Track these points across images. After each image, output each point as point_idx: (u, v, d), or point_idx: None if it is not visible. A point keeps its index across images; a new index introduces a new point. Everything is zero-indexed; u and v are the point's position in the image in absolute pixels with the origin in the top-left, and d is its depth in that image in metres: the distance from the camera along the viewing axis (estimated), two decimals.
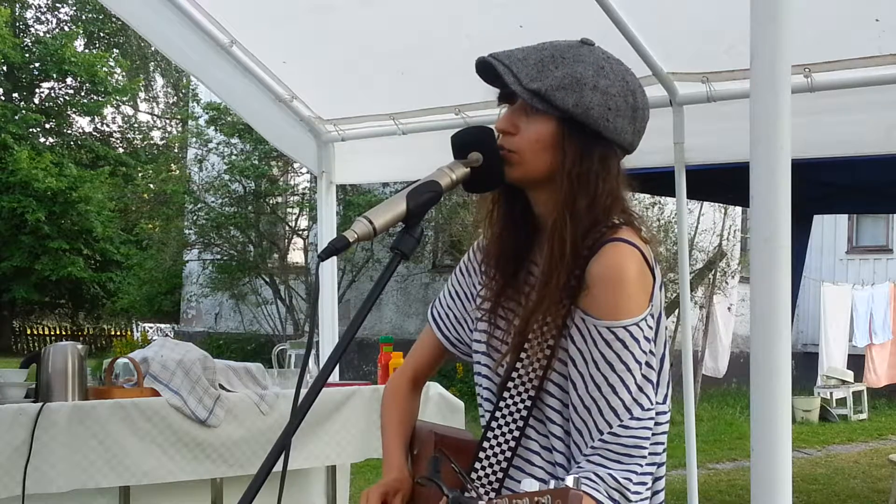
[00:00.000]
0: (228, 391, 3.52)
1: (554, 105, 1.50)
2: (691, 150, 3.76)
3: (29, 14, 26.02)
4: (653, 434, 1.50)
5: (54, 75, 23.61)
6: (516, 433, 1.56)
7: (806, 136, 3.20)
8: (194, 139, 15.22)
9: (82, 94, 24.72)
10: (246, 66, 4.10)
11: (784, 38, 1.51)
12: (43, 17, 26.72)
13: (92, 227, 21.58)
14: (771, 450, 1.50)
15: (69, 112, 24.96)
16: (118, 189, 22.44)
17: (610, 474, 1.41)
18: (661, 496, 1.58)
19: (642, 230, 1.55)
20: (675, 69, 3.58)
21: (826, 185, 5.23)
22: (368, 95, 4.24)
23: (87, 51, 25.91)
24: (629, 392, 1.45)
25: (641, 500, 1.47)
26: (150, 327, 18.31)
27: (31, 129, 22.89)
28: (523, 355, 1.55)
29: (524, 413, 1.55)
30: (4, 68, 23.22)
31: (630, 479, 1.42)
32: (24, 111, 22.58)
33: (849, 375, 13.05)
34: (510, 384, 1.56)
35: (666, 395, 1.57)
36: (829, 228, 15.58)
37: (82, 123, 26.40)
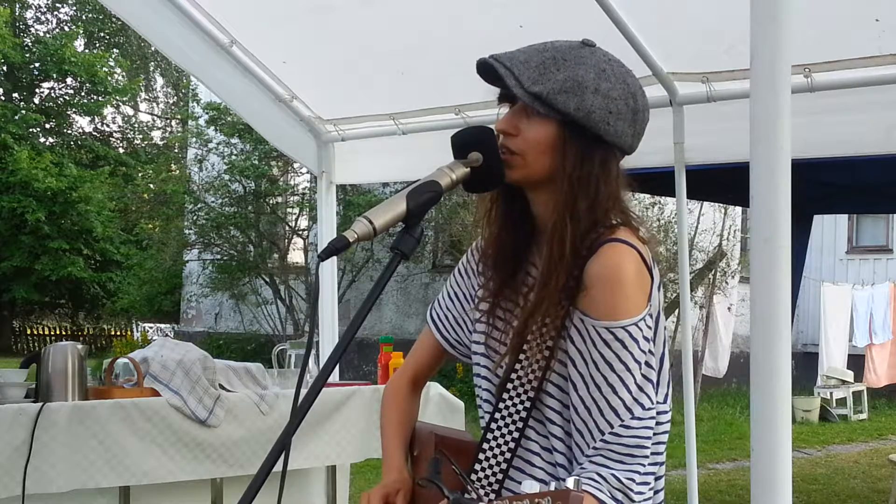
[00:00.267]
0: (228, 391, 3.52)
1: (555, 108, 1.50)
2: (691, 150, 3.76)
3: (29, 14, 26.05)
4: (654, 434, 1.50)
5: (54, 75, 23.61)
6: (516, 434, 1.56)
7: (806, 136, 3.20)
8: (194, 139, 15.22)
9: (82, 94, 24.72)
10: (246, 66, 4.10)
11: (784, 38, 1.51)
12: (43, 17, 26.75)
13: (92, 227, 21.59)
14: (771, 450, 1.50)
15: (69, 112, 24.96)
16: (118, 189, 22.44)
17: (613, 474, 1.41)
18: (661, 496, 1.58)
19: (640, 230, 1.55)
20: (675, 69, 3.58)
21: (826, 185, 5.23)
22: (368, 95, 4.24)
23: (87, 51, 25.91)
24: (629, 392, 1.45)
25: (644, 499, 1.47)
26: (150, 327, 18.31)
27: (31, 129, 22.89)
28: (522, 356, 1.55)
29: (524, 414, 1.55)
30: (4, 68, 23.22)
31: (633, 479, 1.42)
32: (24, 111, 22.58)
33: (849, 375, 13.05)
34: (510, 385, 1.56)
35: (666, 395, 1.57)
36: (829, 228, 15.58)
37: (82, 123, 26.44)
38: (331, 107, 4.41)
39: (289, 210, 14.82)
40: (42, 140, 24.02)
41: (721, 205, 11.65)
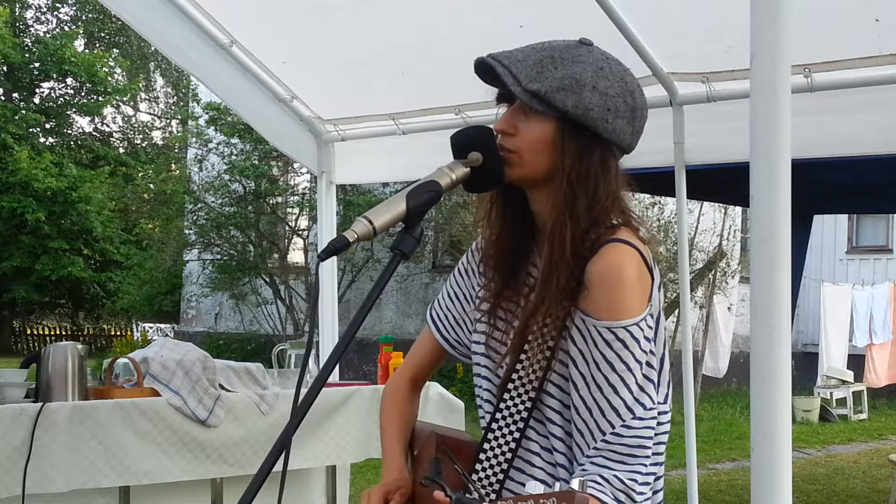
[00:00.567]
0: (228, 391, 3.52)
1: (553, 106, 1.50)
2: (691, 150, 3.76)
3: (29, 14, 26.05)
4: (655, 434, 1.50)
5: (54, 75, 23.61)
6: (517, 434, 1.56)
7: (806, 136, 3.20)
8: (194, 139, 15.22)
9: (82, 94, 24.72)
10: (246, 66, 4.10)
11: (784, 38, 1.51)
12: (43, 17, 26.75)
13: (92, 227, 21.59)
14: (771, 450, 1.50)
15: (69, 112, 24.96)
16: (118, 189, 22.44)
17: (615, 476, 1.41)
18: (661, 496, 1.58)
19: (640, 230, 1.55)
20: (675, 69, 3.58)
21: (826, 185, 5.22)
22: (368, 95, 4.24)
23: (87, 51, 25.91)
24: (630, 392, 1.45)
25: (645, 500, 1.47)
26: (150, 327, 18.31)
27: (31, 129, 22.89)
28: (523, 356, 1.55)
29: (524, 414, 1.55)
30: (4, 68, 23.22)
31: (635, 480, 1.42)
32: (24, 111, 22.58)
33: (849, 375, 13.05)
34: (510, 385, 1.56)
35: (667, 395, 1.57)
36: (829, 228, 15.58)
37: (82, 123, 26.45)
38: (331, 107, 4.41)
39: (289, 210, 14.82)
40: (42, 140, 24.02)
41: (721, 205, 11.65)
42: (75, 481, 3.08)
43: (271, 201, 14.68)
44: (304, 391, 1.40)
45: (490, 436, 1.58)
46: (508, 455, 1.57)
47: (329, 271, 4.62)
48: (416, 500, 1.65)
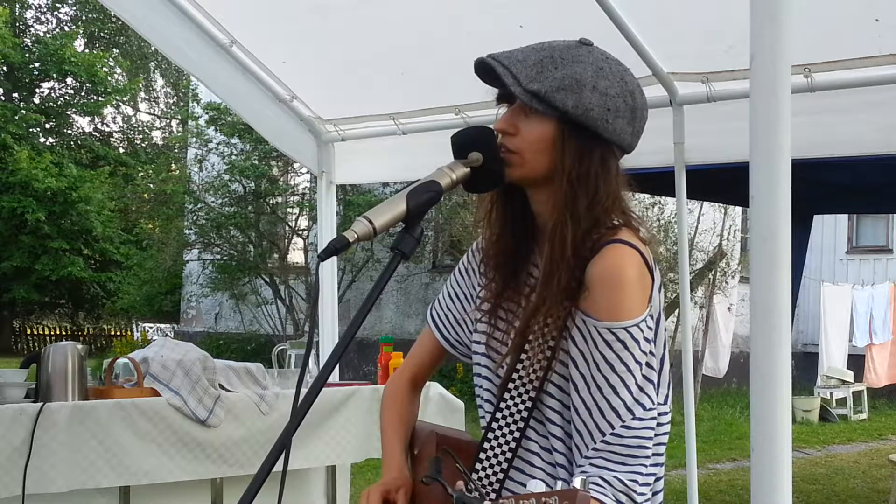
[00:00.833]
0: (228, 391, 3.52)
1: (553, 106, 1.50)
2: (691, 150, 3.76)
3: (29, 14, 26.04)
4: (655, 434, 1.50)
5: (54, 75, 23.61)
6: (517, 434, 1.56)
7: (806, 136, 3.20)
8: (194, 139, 15.22)
9: (82, 94, 24.72)
10: (246, 66, 4.10)
11: (784, 38, 1.51)
12: (43, 17, 26.76)
13: (92, 227, 21.59)
14: (771, 450, 1.50)
15: (69, 112, 24.96)
16: (118, 189, 22.44)
17: (616, 477, 1.41)
18: (661, 497, 1.58)
19: (641, 231, 1.55)
20: (675, 69, 3.58)
21: (826, 185, 5.22)
22: (368, 95, 4.24)
23: (87, 51, 25.91)
24: (630, 393, 1.45)
25: (645, 500, 1.47)
26: (150, 327, 18.31)
27: (31, 129, 22.89)
28: (524, 356, 1.55)
29: (525, 414, 1.55)
30: (4, 68, 23.22)
31: (636, 481, 1.43)
32: (24, 111, 22.58)
33: (849, 375, 13.05)
34: (511, 385, 1.56)
35: (667, 396, 1.57)
36: (829, 228, 15.58)
37: (82, 123, 26.45)
38: (331, 107, 4.41)
39: (289, 210, 14.82)
40: (42, 140, 24.02)
41: (721, 205, 11.65)
42: (75, 481, 3.08)
43: (271, 201, 14.68)
44: (304, 391, 1.40)
45: (490, 435, 1.58)
46: (508, 455, 1.57)
47: (329, 271, 4.62)
48: (415, 500, 1.65)
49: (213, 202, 14.51)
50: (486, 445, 1.59)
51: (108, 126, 27.99)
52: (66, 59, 22.78)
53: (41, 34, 25.49)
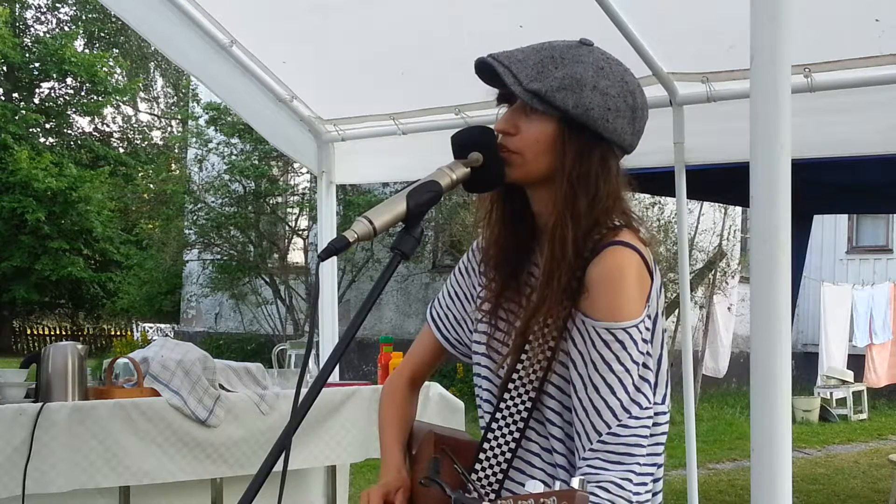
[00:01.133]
0: (228, 391, 3.52)
1: (554, 106, 1.50)
2: (691, 150, 3.76)
3: (29, 14, 26.03)
4: (652, 434, 1.50)
5: (54, 75, 23.61)
6: (517, 434, 1.56)
7: (806, 136, 3.20)
8: (194, 139, 15.22)
9: (82, 94, 24.72)
10: (246, 66, 4.10)
11: (784, 38, 1.51)
12: (43, 17, 26.73)
13: (92, 227, 21.59)
14: (771, 450, 1.50)
15: (69, 112, 24.96)
16: (118, 189, 22.43)
17: (610, 481, 1.41)
18: (660, 497, 1.58)
19: (641, 232, 1.55)
20: (675, 69, 3.58)
21: (826, 185, 5.22)
22: (368, 95, 4.24)
23: (87, 51, 25.91)
24: (627, 392, 1.46)
25: (644, 500, 1.48)
26: (150, 327, 18.31)
27: (31, 129, 22.89)
28: (524, 356, 1.55)
29: (524, 414, 1.55)
30: (4, 68, 23.21)
31: (630, 480, 1.43)
32: (24, 111, 22.57)
33: (849, 375, 13.05)
34: (511, 385, 1.56)
35: (665, 396, 1.57)
36: (829, 228, 15.58)
37: (82, 123, 26.43)
38: (331, 107, 4.41)
39: (289, 210, 14.82)
40: (42, 140, 24.02)
41: (721, 205, 11.65)
42: (75, 481, 3.08)
43: (271, 201, 14.68)
44: (304, 391, 1.40)
45: (490, 436, 1.58)
46: (508, 455, 1.57)
47: (329, 271, 4.62)
48: (414, 500, 1.65)
49: (213, 202, 14.51)
50: (486, 446, 1.59)
51: (108, 126, 28.01)
52: (66, 59, 22.77)
53: (41, 34, 25.49)
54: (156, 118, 30.92)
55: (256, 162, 13.89)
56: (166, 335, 16.61)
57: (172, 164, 23.55)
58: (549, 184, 1.55)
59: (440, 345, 1.79)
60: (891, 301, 13.42)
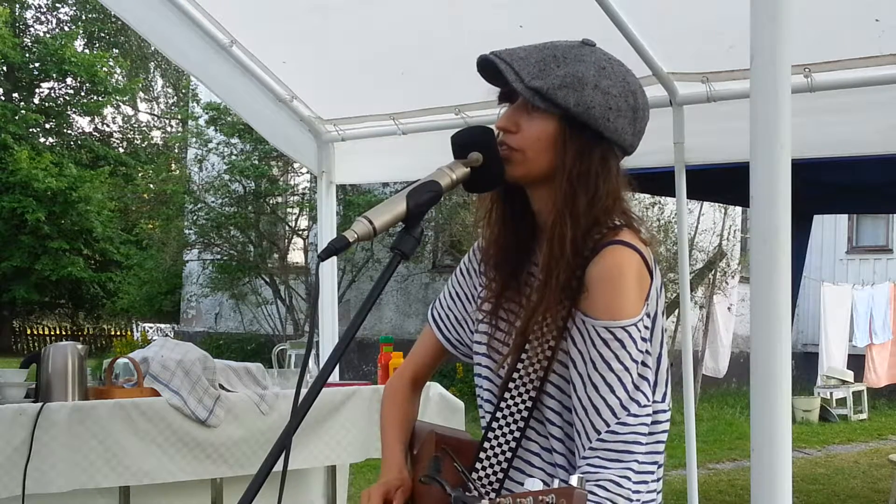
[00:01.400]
0: (228, 391, 3.52)
1: (555, 104, 1.50)
2: (691, 150, 3.76)
3: (29, 14, 26.03)
4: (651, 433, 1.51)
5: (54, 75, 23.61)
6: (517, 434, 1.56)
7: (806, 136, 3.20)
8: (194, 139, 15.22)
9: (82, 94, 24.72)
10: (246, 66, 4.10)
11: (784, 38, 1.51)
12: (43, 17, 26.73)
13: (92, 227, 21.59)
14: (771, 450, 1.50)
15: (69, 112, 24.96)
16: (118, 189, 22.43)
17: (609, 479, 1.41)
18: (660, 497, 1.59)
19: (642, 232, 1.55)
20: (675, 69, 3.58)
21: (826, 185, 5.22)
22: (368, 95, 4.24)
23: (87, 51, 25.91)
24: (626, 391, 1.46)
25: (646, 500, 1.48)
26: (150, 327, 18.31)
27: (31, 129, 22.89)
28: (524, 356, 1.55)
29: (525, 414, 1.56)
30: (4, 68, 23.21)
31: (628, 477, 1.43)
32: (24, 111, 22.58)
33: (849, 375, 13.05)
34: (511, 385, 1.56)
35: (665, 395, 1.57)
36: (829, 228, 15.58)
37: (82, 123, 26.44)
38: (331, 107, 4.41)
39: (289, 210, 14.82)
40: (42, 140, 24.02)
41: (721, 205, 11.65)
42: (75, 481, 3.08)
43: (271, 201, 14.68)
44: (304, 391, 1.40)
45: (490, 435, 1.58)
46: (508, 455, 1.57)
47: (329, 271, 4.62)
48: (415, 499, 1.65)
49: (213, 202, 14.50)
50: (487, 445, 1.59)
51: (108, 126, 28.01)
52: (66, 59, 22.77)
53: (41, 34, 25.48)
54: (156, 118, 30.93)
55: (256, 162, 13.89)
56: (166, 335, 16.62)
57: (172, 164, 23.54)
58: (549, 183, 1.55)
59: (441, 345, 1.79)
60: (891, 301, 13.42)
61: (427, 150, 4.03)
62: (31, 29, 26.05)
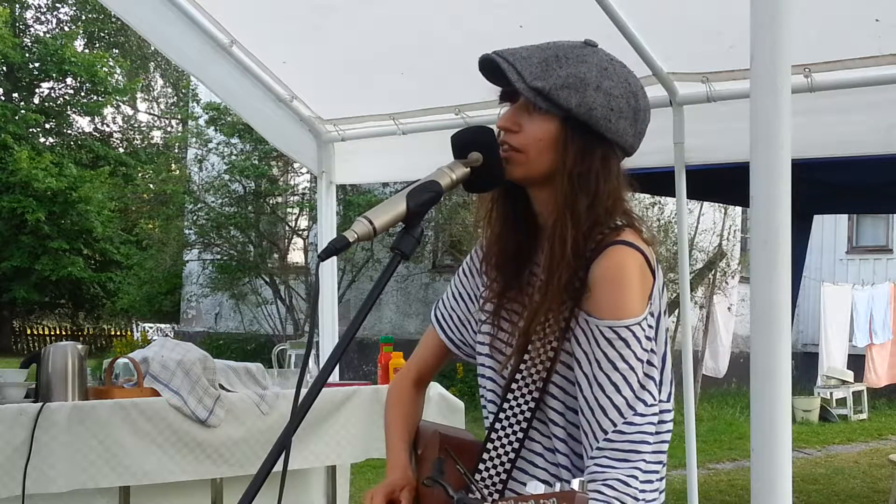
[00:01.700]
0: (228, 391, 3.52)
1: (557, 104, 1.50)
2: (691, 150, 3.76)
3: (29, 14, 26.04)
4: (657, 432, 1.51)
5: (54, 75, 23.61)
6: (520, 434, 1.57)
7: (806, 136, 3.20)
8: (194, 139, 15.22)
9: (82, 94, 24.71)
10: (246, 66, 4.10)
11: (784, 38, 1.51)
12: (43, 17, 26.75)
13: (92, 227, 21.59)
14: (771, 450, 1.50)
15: (69, 112, 24.96)
16: (118, 189, 22.44)
17: (616, 478, 1.42)
18: (662, 496, 1.59)
19: (643, 231, 1.55)
20: (675, 69, 3.58)
21: (826, 185, 5.22)
22: (368, 95, 4.24)
23: (87, 51, 25.91)
24: (632, 390, 1.46)
25: (650, 499, 1.48)
26: (150, 327, 18.31)
27: (31, 129, 22.89)
28: (527, 356, 1.55)
29: (528, 414, 1.56)
30: (4, 68, 23.21)
31: (635, 477, 1.43)
32: (24, 111, 22.58)
33: (849, 375, 13.06)
34: (514, 385, 1.57)
35: (669, 394, 1.57)
36: (829, 228, 15.58)
37: (82, 123, 26.44)
38: (331, 107, 4.41)
39: (289, 210, 14.82)
40: (42, 140, 24.02)
41: (721, 205, 11.65)
42: (75, 481, 3.08)
43: (271, 201, 14.68)
44: (304, 391, 1.40)
45: (493, 436, 1.59)
46: (512, 455, 1.57)
47: (329, 271, 4.62)
48: (419, 500, 1.65)
49: (213, 202, 14.51)
50: (490, 446, 1.59)
51: (108, 126, 28.01)
52: (66, 59, 22.77)
53: (41, 34, 25.49)
54: (156, 118, 30.93)
55: (256, 162, 13.89)
56: (166, 335, 16.62)
57: (172, 164, 23.55)
58: (550, 183, 1.55)
59: (445, 346, 1.79)
60: (891, 301, 13.43)
61: (427, 150, 4.03)
62: (31, 29, 26.08)
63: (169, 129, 30.22)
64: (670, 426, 1.57)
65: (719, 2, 3.10)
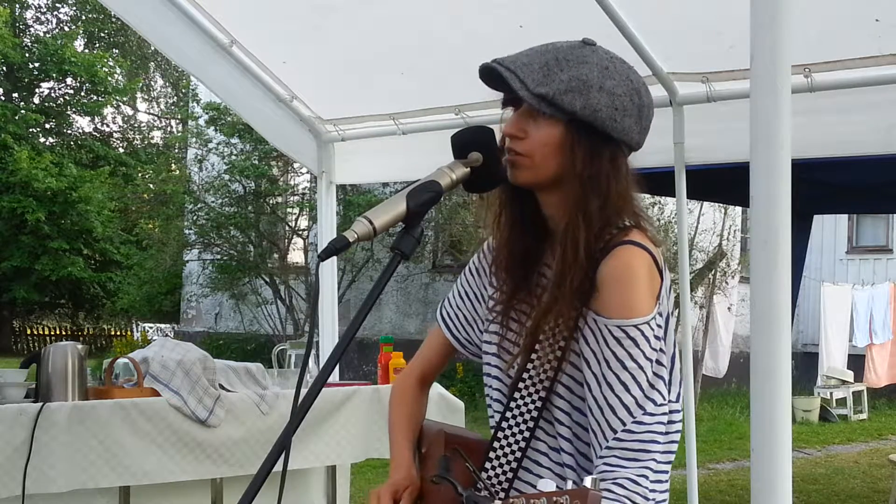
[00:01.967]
0: (228, 391, 3.52)
1: (562, 109, 1.50)
2: (691, 150, 3.76)
3: (29, 14, 26.04)
4: (667, 432, 1.51)
5: (54, 75, 23.60)
6: (526, 434, 1.57)
7: (806, 136, 3.20)
8: (194, 139, 15.22)
9: (82, 94, 24.71)
10: (246, 66, 4.10)
11: (784, 38, 1.51)
12: (43, 17, 26.75)
13: (92, 227, 21.59)
14: (771, 450, 1.50)
15: (69, 112, 24.96)
16: (118, 189, 22.44)
17: (626, 477, 1.42)
18: (667, 495, 1.59)
19: (650, 231, 1.55)
20: (675, 69, 3.58)
21: (826, 185, 5.22)
22: (368, 95, 4.24)
23: (87, 51, 25.90)
24: (641, 389, 1.46)
25: (660, 500, 1.48)
26: (150, 327, 18.31)
27: (31, 129, 22.89)
28: (534, 356, 1.55)
29: (534, 414, 1.56)
30: (4, 68, 23.21)
31: (646, 476, 1.43)
32: (24, 111, 22.57)
33: (849, 375, 13.05)
34: (521, 385, 1.57)
35: (678, 394, 1.57)
36: (829, 228, 15.58)
37: (82, 123, 26.44)
38: (331, 107, 4.41)
39: (289, 210, 14.82)
40: (42, 140, 24.02)
41: (721, 205, 11.65)
42: (75, 481, 3.08)
43: (271, 201, 14.68)
44: (304, 391, 1.40)
45: (500, 434, 1.59)
46: (518, 454, 1.58)
47: (329, 271, 4.62)
48: (424, 499, 1.65)
49: (213, 202, 14.50)
50: (496, 444, 1.59)
51: (108, 126, 28.02)
52: (66, 59, 22.77)
53: (41, 34, 25.49)
54: (156, 118, 30.93)
55: (256, 162, 13.89)
56: (166, 335, 16.62)
57: (172, 164, 23.54)
58: (558, 186, 1.55)
59: (450, 344, 1.79)
60: (891, 301, 13.43)
61: (427, 150, 4.03)
62: (31, 29, 26.08)
63: (169, 129, 30.24)
64: (679, 426, 1.57)
65: (719, 2, 3.10)
